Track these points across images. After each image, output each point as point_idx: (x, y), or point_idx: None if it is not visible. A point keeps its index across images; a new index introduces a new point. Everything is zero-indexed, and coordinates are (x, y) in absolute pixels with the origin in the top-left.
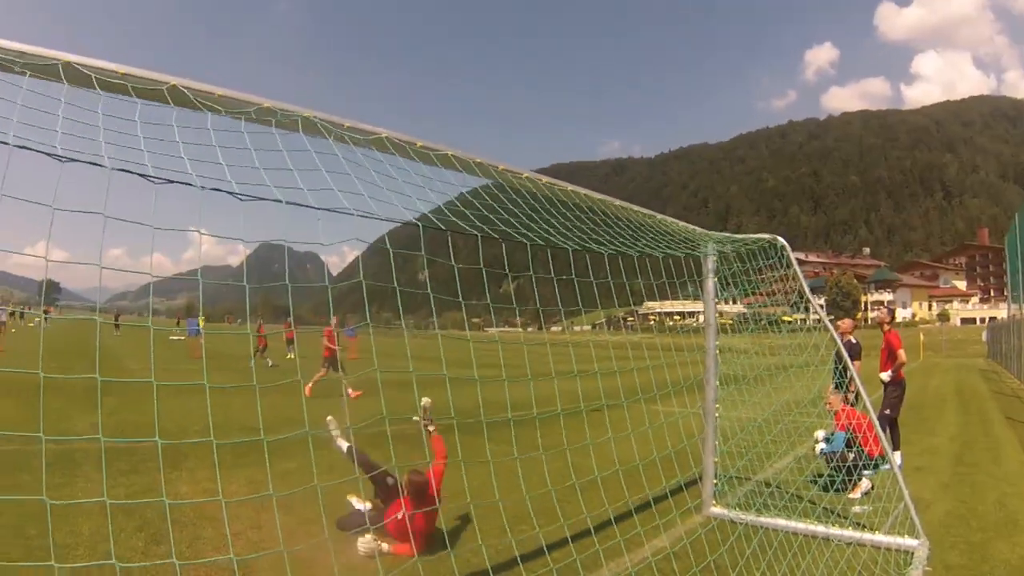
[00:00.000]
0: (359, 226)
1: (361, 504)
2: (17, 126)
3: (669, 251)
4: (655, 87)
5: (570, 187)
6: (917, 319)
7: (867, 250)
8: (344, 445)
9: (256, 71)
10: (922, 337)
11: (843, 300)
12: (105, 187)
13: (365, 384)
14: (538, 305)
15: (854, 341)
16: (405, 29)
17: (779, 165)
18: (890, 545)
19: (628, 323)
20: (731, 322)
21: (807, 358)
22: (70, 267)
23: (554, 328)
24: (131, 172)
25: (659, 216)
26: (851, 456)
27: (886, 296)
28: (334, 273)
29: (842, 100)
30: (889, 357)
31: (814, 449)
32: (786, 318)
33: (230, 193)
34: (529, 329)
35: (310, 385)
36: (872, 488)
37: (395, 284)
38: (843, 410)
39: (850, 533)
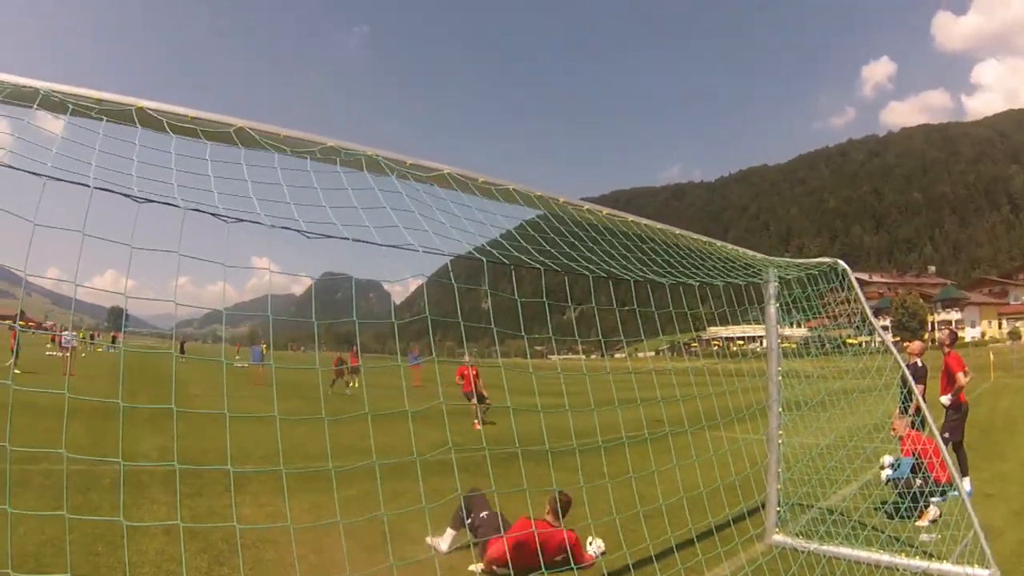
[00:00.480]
0: (421, 258)
1: (441, 541)
2: (96, 169)
3: (730, 279)
4: (713, 111)
5: (630, 217)
6: (987, 338)
7: (932, 268)
8: (448, 539)
9: (324, 106)
10: (992, 357)
11: (909, 321)
12: (178, 224)
13: (432, 413)
14: (600, 335)
15: (920, 364)
16: (467, 65)
17: (840, 185)
18: (959, 575)
19: (691, 349)
20: (794, 346)
21: (871, 382)
22: (136, 294)
23: (618, 355)
24: (203, 211)
25: (719, 243)
26: (918, 482)
27: (954, 315)
28: (397, 302)
29: (901, 115)
30: (949, 380)
31: (879, 475)
32: (850, 341)
33: (298, 231)
34: (593, 356)
35: (476, 421)
36: (940, 516)
37: (459, 318)
38: (909, 435)
39: (917, 563)
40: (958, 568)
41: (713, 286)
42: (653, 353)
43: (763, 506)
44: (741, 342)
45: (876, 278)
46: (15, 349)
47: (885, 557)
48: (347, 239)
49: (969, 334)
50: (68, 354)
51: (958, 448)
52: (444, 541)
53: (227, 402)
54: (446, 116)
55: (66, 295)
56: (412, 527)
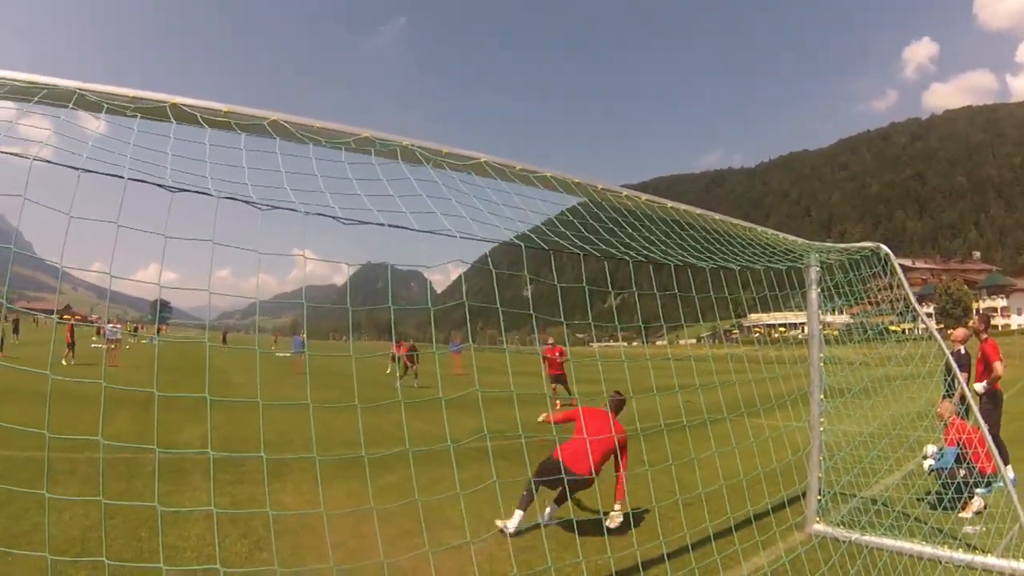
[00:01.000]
0: (461, 246)
1: (509, 523)
2: (131, 161)
3: (771, 264)
4: (753, 96)
5: (669, 203)
6: None
7: (977, 254)
8: (516, 520)
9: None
10: None
11: (953, 308)
12: (213, 215)
13: (467, 400)
14: (640, 321)
15: (963, 351)
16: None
17: (882, 169)
18: (1004, 569)
19: (732, 336)
20: (836, 333)
21: (914, 369)
22: (179, 287)
23: (659, 342)
24: (237, 199)
25: (759, 228)
26: (962, 473)
27: (999, 302)
28: (438, 291)
29: (944, 97)
30: (986, 368)
31: (923, 465)
32: (893, 328)
33: (333, 218)
34: (634, 344)
35: (551, 412)
36: (985, 507)
37: (498, 304)
38: (953, 423)
39: (960, 555)
40: (1003, 562)
41: (754, 271)
42: (694, 340)
43: (803, 495)
44: (783, 329)
45: (920, 264)
46: (71, 343)
47: (928, 549)
48: (383, 224)
49: (1016, 321)
50: (112, 346)
51: (992, 438)
52: (512, 523)
53: (269, 391)
54: (473, 111)
55: (112, 289)
56: (451, 513)
